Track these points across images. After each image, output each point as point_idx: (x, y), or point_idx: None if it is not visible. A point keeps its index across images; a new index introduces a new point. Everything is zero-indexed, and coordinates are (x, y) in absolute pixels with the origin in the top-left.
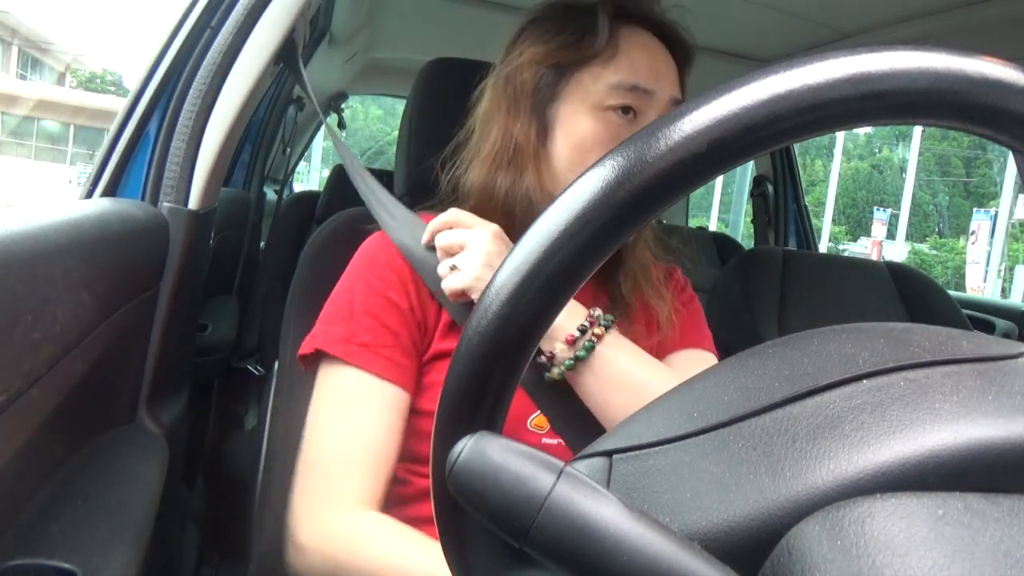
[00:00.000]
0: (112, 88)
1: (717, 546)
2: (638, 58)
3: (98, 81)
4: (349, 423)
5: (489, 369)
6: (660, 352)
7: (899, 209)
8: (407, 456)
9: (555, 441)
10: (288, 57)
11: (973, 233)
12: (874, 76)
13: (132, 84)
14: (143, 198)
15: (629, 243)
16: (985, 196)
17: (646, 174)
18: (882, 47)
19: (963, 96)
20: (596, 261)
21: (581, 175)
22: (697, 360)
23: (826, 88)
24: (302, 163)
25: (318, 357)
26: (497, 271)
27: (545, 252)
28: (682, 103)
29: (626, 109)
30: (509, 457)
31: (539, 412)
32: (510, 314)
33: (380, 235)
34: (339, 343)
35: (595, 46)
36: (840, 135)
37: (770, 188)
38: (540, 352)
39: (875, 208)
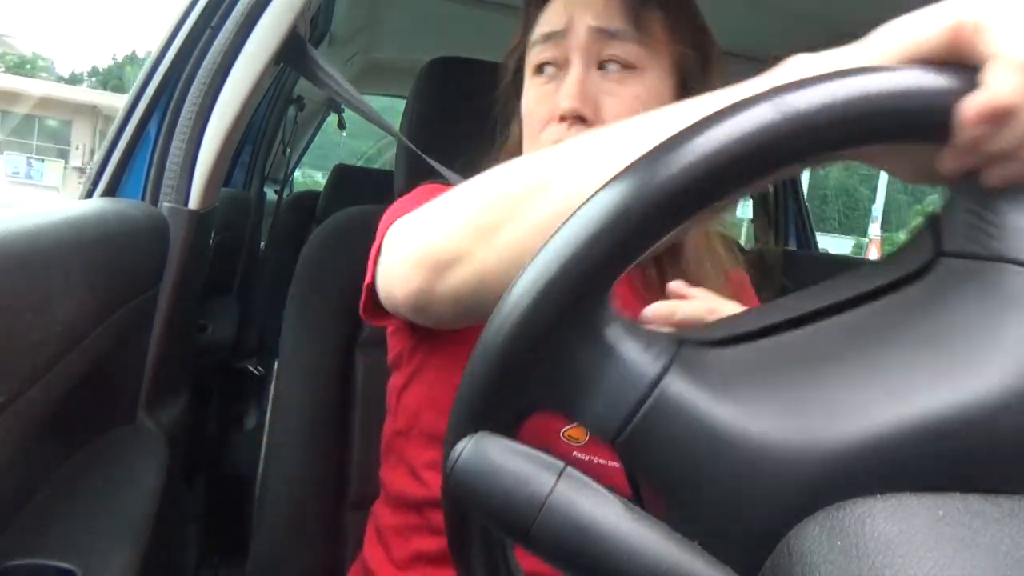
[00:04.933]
0: (43, 75)
1: None
2: (554, 3)
3: (28, 67)
4: None
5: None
6: None
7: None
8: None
9: (586, 457)
10: (294, 56)
11: None
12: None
13: (64, 70)
14: (143, 198)
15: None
16: None
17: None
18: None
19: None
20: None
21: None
22: None
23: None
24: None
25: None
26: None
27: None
28: (618, 31)
29: (547, 65)
30: (510, 457)
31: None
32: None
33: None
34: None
35: (528, 13)
36: None
37: (770, 188)
38: None
39: (872, 206)
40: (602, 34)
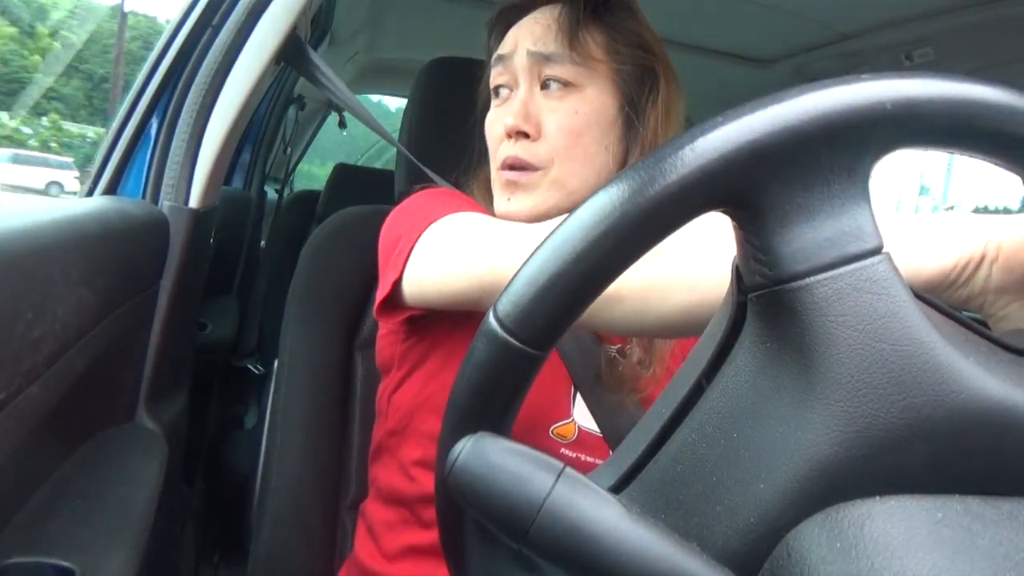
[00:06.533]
0: None
1: None
2: (508, 31)
3: None
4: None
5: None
6: None
7: None
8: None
9: (574, 454)
10: (294, 55)
11: None
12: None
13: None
14: (144, 196)
15: None
16: None
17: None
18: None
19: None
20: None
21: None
22: None
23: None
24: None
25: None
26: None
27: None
28: (552, 54)
29: (501, 87)
30: (508, 458)
31: (567, 421)
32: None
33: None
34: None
35: (490, 43)
36: None
37: None
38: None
39: None
40: (539, 57)
